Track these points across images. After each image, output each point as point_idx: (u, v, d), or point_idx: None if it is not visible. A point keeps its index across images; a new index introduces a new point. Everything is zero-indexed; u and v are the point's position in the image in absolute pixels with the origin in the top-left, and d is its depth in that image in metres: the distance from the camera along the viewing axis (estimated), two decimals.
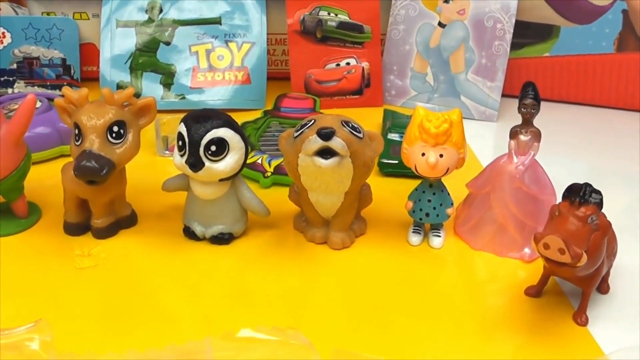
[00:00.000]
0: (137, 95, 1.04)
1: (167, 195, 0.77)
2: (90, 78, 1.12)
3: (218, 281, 0.70)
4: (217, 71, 1.06)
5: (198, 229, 0.75)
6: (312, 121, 0.69)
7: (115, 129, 0.70)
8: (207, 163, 0.69)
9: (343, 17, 1.06)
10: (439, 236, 0.76)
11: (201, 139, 0.68)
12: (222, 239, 0.75)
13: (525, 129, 0.73)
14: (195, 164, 0.69)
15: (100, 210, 0.75)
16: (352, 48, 1.07)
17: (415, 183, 0.76)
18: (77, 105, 0.71)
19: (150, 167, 0.90)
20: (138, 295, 0.68)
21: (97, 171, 0.68)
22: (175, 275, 0.71)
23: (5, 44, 1.09)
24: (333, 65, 1.07)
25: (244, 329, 0.54)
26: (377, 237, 0.77)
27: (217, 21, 1.07)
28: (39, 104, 0.93)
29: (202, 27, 1.07)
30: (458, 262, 0.75)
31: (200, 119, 0.70)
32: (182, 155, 0.70)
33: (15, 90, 1.08)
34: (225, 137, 0.69)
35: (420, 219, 0.75)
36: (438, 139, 0.69)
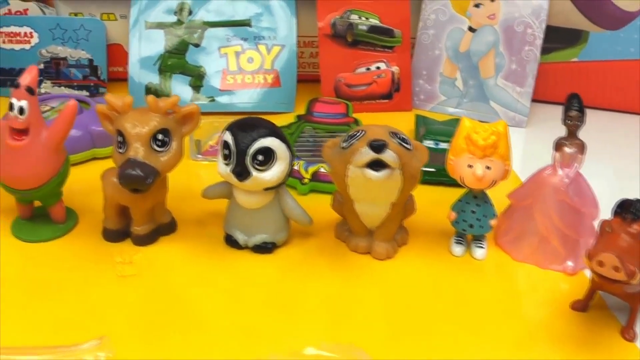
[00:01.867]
0: (167, 97, 1.03)
1: (204, 201, 0.77)
2: (117, 79, 1.11)
3: (260, 290, 0.70)
4: (246, 74, 1.05)
5: (241, 238, 0.74)
6: (361, 132, 0.68)
7: (160, 137, 0.69)
8: (253, 172, 0.68)
9: (374, 21, 1.05)
10: (482, 247, 0.75)
11: (248, 148, 0.68)
12: (265, 248, 0.74)
13: (570, 141, 0.72)
14: (242, 173, 0.68)
15: (142, 217, 0.74)
16: (382, 52, 1.06)
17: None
18: (120, 112, 0.70)
19: (183, 171, 0.87)
20: (181, 304, 0.68)
21: (142, 179, 0.68)
22: (217, 284, 0.70)
23: (32, 44, 1.08)
24: (363, 69, 1.06)
25: (309, 348, 0.54)
26: (418, 247, 0.77)
27: (247, 23, 1.06)
28: None
29: (232, 29, 1.06)
30: (500, 274, 0.75)
31: (246, 127, 0.69)
32: (227, 164, 0.69)
33: (42, 91, 1.07)
34: (272, 146, 0.69)
35: (464, 230, 0.75)
36: (486, 151, 0.69)
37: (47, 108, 0.94)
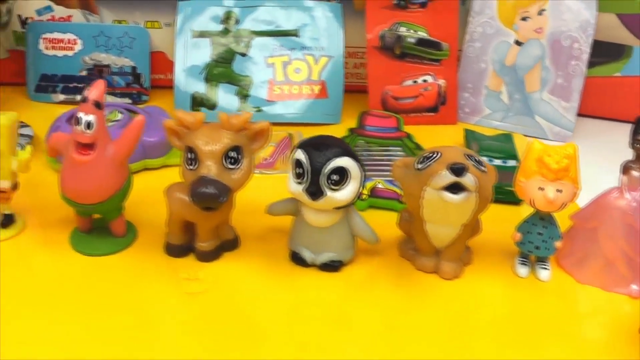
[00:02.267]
0: (213, 106, 1.03)
1: (264, 216, 0.76)
2: (159, 86, 1.10)
3: (326, 308, 0.69)
4: (293, 84, 1.04)
5: (308, 256, 0.74)
6: (437, 154, 0.68)
7: (232, 154, 0.69)
8: (328, 192, 0.68)
9: (422, 34, 1.04)
10: (547, 269, 0.75)
11: (323, 167, 0.67)
12: (332, 266, 0.74)
13: (638, 164, 0.72)
14: (316, 192, 0.68)
15: (207, 233, 0.74)
16: (429, 65, 1.06)
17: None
18: (191, 129, 0.70)
19: None
20: (247, 322, 0.67)
21: (216, 197, 0.67)
22: (282, 302, 0.70)
23: (75, 50, 1.07)
24: (410, 82, 1.05)
25: None
26: (483, 267, 0.76)
27: (294, 33, 1.05)
28: (119, 116, 0.92)
29: (279, 39, 1.05)
30: (564, 295, 0.74)
31: (321, 146, 0.68)
32: (300, 183, 0.69)
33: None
34: (347, 166, 0.68)
35: (529, 252, 0.74)
36: (558, 175, 0.69)
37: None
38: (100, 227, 0.77)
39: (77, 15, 1.08)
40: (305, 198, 0.69)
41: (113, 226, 0.76)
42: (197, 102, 1.03)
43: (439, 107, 1.07)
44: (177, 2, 1.05)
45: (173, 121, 0.71)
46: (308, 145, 0.69)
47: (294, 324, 0.67)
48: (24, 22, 1.09)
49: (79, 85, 1.07)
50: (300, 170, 0.68)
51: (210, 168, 0.68)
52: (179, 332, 0.66)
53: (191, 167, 0.69)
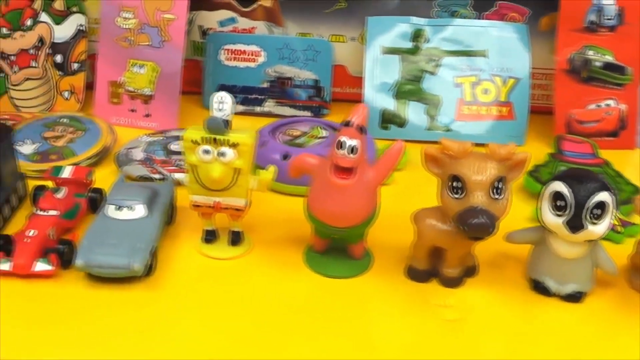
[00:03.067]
0: (403, 124, 1.03)
1: (498, 243, 0.75)
2: (337, 99, 1.10)
3: (564, 341, 0.69)
4: (482, 105, 1.04)
5: (552, 285, 0.74)
6: None
7: (498, 184, 0.69)
8: (588, 226, 0.68)
9: (608, 58, 1.04)
10: None
11: (587, 201, 0.67)
12: (575, 297, 0.73)
13: None
14: (577, 226, 0.68)
15: (456, 260, 0.74)
16: (612, 89, 1.05)
17: None
18: (456, 157, 0.70)
19: None
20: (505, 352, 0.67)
21: (488, 228, 0.67)
22: (523, 332, 0.70)
23: (259, 62, 1.07)
24: (594, 105, 1.05)
25: None
26: None
27: (482, 54, 1.05)
28: (324, 133, 0.92)
29: (468, 59, 1.05)
30: None
31: (583, 179, 0.68)
32: (559, 216, 0.69)
33: (265, 109, 1.06)
34: (607, 200, 0.68)
35: None
36: None
37: (298, 133, 0.93)
38: (335, 248, 0.77)
39: (260, 27, 1.08)
40: (563, 231, 0.69)
41: (352, 249, 0.76)
42: (387, 119, 1.03)
43: (619, 132, 1.06)
44: (365, 17, 1.05)
45: (434, 148, 0.71)
46: (569, 178, 0.69)
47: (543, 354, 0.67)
48: (204, 32, 1.09)
49: (260, 97, 1.07)
50: (562, 203, 0.68)
51: (480, 198, 0.68)
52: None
53: (457, 195, 0.69)
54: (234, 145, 0.71)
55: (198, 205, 0.76)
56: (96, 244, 0.72)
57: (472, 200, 0.68)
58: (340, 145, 0.69)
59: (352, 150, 0.69)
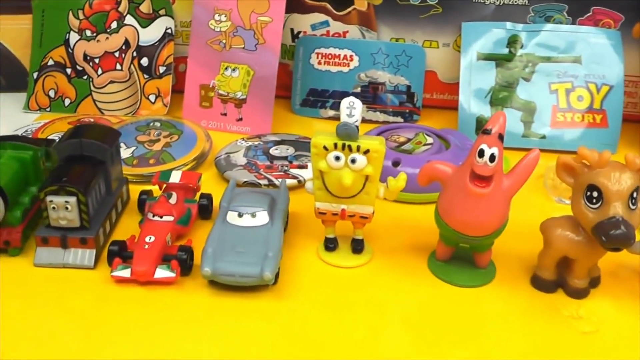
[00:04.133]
0: None
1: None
2: (426, 105, 1.10)
3: None
4: (576, 112, 1.04)
5: None
6: None
7: (635, 195, 0.68)
8: None
9: None
10: None
11: None
12: None
13: None
14: None
15: (584, 270, 0.73)
16: None
17: None
18: (594, 167, 0.69)
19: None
20: None
21: (630, 239, 0.67)
22: None
23: (351, 67, 1.06)
24: None
25: None
26: None
27: (577, 60, 1.04)
28: (429, 140, 0.91)
29: (563, 65, 1.04)
30: None
31: None
32: None
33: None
34: None
35: None
36: None
37: (404, 139, 0.92)
38: (458, 257, 0.77)
39: (353, 31, 1.08)
40: None
41: (479, 258, 0.76)
42: (481, 126, 1.02)
43: None
44: (460, 23, 1.05)
45: (569, 157, 0.70)
46: None
47: None
48: (295, 35, 1.09)
49: None
50: None
51: (618, 209, 0.67)
52: None
53: (593, 206, 0.69)
54: (365, 152, 0.71)
55: (323, 213, 0.75)
56: (222, 251, 0.72)
57: (610, 211, 0.67)
58: (480, 153, 0.69)
59: (492, 158, 0.68)
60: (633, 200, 0.68)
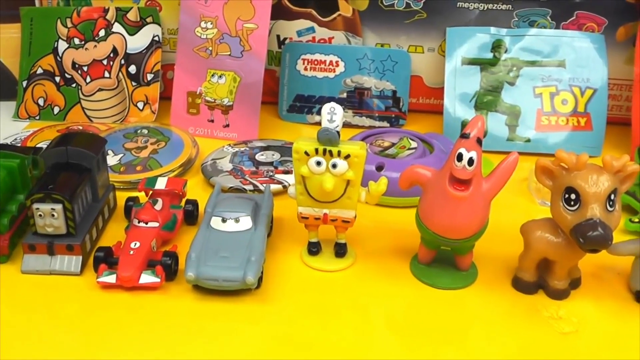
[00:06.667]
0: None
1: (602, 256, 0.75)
2: (412, 110, 1.11)
3: None
4: (560, 115, 1.04)
5: None
6: None
7: (612, 197, 0.69)
8: None
9: None
10: None
11: None
12: None
13: None
14: None
15: (564, 272, 0.74)
16: None
17: None
18: (572, 169, 0.70)
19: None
20: None
21: (607, 240, 0.67)
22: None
23: (337, 72, 1.07)
24: None
25: None
26: None
27: (561, 64, 1.05)
28: (413, 144, 0.92)
29: (547, 69, 1.05)
30: None
31: None
32: None
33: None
34: None
35: None
36: None
37: (388, 144, 0.93)
38: (440, 259, 0.78)
39: (338, 37, 1.09)
40: None
41: (460, 261, 0.77)
42: None
43: None
44: (444, 28, 1.06)
45: (548, 160, 0.71)
46: None
47: None
48: (281, 42, 1.10)
49: None
50: None
51: (596, 211, 0.68)
52: None
53: (571, 208, 0.69)
54: (346, 157, 0.71)
55: (305, 217, 0.76)
56: (206, 256, 0.72)
57: (587, 213, 0.68)
58: (459, 157, 0.69)
59: (470, 162, 0.69)
60: (610, 202, 0.69)
